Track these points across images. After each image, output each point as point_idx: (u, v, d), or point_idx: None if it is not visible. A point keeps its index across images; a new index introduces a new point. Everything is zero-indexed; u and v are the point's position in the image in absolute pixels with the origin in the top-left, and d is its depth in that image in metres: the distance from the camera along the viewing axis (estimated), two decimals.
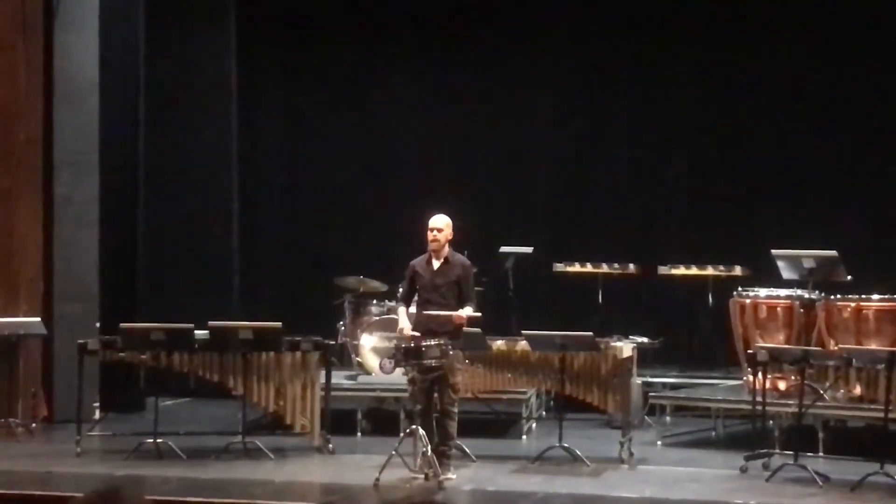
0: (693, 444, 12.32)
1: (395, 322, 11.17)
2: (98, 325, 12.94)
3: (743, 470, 10.66)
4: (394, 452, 10.18)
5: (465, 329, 10.68)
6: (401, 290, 11.26)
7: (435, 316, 10.46)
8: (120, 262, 13.95)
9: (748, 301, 12.36)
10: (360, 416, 12.57)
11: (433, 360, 10.14)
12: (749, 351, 11.52)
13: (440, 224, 10.63)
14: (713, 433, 12.56)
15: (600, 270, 14.36)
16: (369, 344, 13.22)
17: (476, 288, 11.04)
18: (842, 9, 14.48)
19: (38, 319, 12.76)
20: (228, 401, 12.44)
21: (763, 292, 12.39)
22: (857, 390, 10.90)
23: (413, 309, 10.83)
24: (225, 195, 15.53)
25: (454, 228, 10.69)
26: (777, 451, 10.93)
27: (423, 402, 10.38)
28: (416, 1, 15.65)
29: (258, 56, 15.98)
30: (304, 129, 16.20)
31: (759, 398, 11.00)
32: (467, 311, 10.53)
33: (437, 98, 15.74)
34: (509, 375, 11.52)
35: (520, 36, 15.48)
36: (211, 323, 11.46)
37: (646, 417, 12.95)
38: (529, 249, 14.11)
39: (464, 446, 11.05)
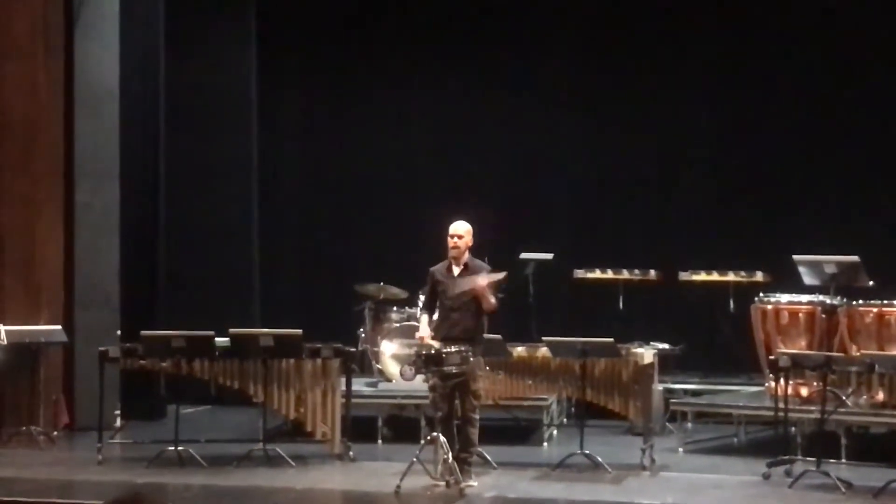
0: (715, 450, 12.27)
1: (416, 329, 11.14)
2: (119, 332, 12.95)
3: (765, 476, 10.62)
4: (415, 459, 10.18)
5: (485, 335, 10.66)
6: (422, 297, 11.24)
7: (459, 294, 10.38)
8: (140, 270, 13.94)
9: (770, 307, 12.30)
10: (380, 423, 12.57)
11: (454, 367, 10.11)
12: (771, 357, 11.46)
13: (460, 230, 10.60)
14: (735, 440, 12.52)
15: (621, 277, 14.33)
16: (390, 351, 13.21)
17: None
18: (865, 13, 14.42)
19: (59, 327, 12.79)
20: (249, 408, 12.49)
21: (785, 298, 12.33)
22: (880, 396, 10.86)
23: (436, 316, 10.79)
24: (245, 202, 15.56)
25: (474, 235, 10.67)
26: (799, 457, 10.89)
27: (444, 409, 10.35)
28: (435, 7, 15.64)
29: (278, 63, 15.99)
30: (325, 136, 16.19)
31: (781, 404, 10.96)
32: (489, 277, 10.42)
33: (457, 104, 15.71)
34: (530, 382, 11.49)
35: (540, 41, 15.46)
36: (231, 330, 11.47)
37: (667, 424, 12.90)
38: (550, 256, 14.06)
39: (485, 453, 11.03)
